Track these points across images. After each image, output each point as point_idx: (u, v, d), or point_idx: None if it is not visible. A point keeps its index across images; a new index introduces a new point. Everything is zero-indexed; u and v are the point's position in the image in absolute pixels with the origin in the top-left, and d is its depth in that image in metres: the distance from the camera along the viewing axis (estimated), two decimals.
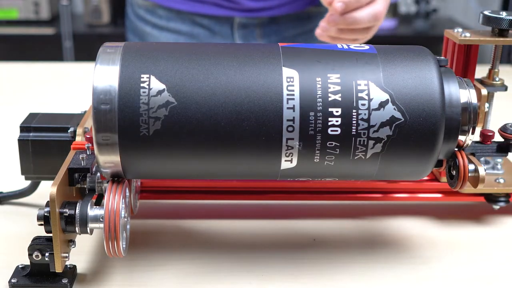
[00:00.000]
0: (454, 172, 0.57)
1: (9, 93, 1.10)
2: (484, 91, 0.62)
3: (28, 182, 0.69)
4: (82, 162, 0.56)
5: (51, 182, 0.52)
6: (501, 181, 0.68)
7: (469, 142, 0.56)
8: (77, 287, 0.56)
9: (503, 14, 0.62)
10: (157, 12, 1.19)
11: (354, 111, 0.51)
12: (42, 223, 0.52)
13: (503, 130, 0.61)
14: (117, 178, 0.54)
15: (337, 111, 0.51)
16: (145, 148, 0.51)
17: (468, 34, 0.64)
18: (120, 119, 0.50)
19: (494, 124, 0.67)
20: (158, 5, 1.19)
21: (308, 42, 1.21)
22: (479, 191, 0.68)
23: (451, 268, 0.61)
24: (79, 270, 0.58)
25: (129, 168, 0.53)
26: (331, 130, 0.51)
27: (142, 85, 0.50)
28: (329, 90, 0.51)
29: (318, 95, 0.51)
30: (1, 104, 1.05)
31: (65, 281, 0.55)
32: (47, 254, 0.53)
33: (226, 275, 0.59)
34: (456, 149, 0.56)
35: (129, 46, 0.53)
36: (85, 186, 0.56)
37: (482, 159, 0.67)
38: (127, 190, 0.55)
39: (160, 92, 0.50)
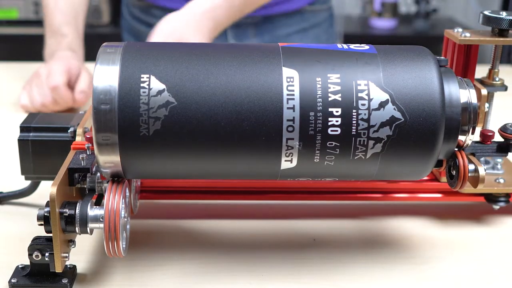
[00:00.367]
0: (454, 172, 0.57)
1: (9, 93, 1.10)
2: (484, 91, 0.62)
3: (28, 182, 0.69)
4: (82, 162, 0.56)
5: (51, 182, 0.52)
6: (501, 181, 0.68)
7: (469, 142, 0.55)
8: (77, 287, 0.56)
9: (503, 14, 0.62)
10: (152, 12, 1.19)
11: (354, 111, 0.51)
12: (42, 223, 0.52)
13: (503, 130, 0.61)
14: (117, 178, 0.54)
15: (337, 111, 0.51)
16: (145, 148, 0.51)
17: (468, 34, 0.64)
18: (120, 119, 0.50)
19: (494, 124, 0.67)
20: (152, 4, 1.19)
21: (302, 41, 1.21)
22: (479, 191, 0.68)
23: (451, 268, 0.61)
24: (79, 270, 0.58)
25: (129, 168, 0.53)
26: (331, 130, 0.51)
27: (142, 85, 0.50)
28: (329, 90, 0.51)
29: (318, 95, 0.51)
30: (1, 104, 1.05)
31: (65, 281, 0.55)
32: (47, 254, 0.53)
33: (226, 275, 0.59)
34: (456, 149, 0.56)
35: (129, 46, 0.53)
36: (85, 186, 0.56)
37: (482, 159, 0.67)
38: (127, 190, 0.55)
39: (160, 92, 0.50)
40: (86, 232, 0.54)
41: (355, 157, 0.52)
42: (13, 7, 2.35)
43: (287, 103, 0.50)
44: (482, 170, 0.56)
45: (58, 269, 0.53)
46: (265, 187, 0.70)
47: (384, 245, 0.65)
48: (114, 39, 0.66)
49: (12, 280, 0.55)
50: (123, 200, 0.53)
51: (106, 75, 0.50)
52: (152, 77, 0.51)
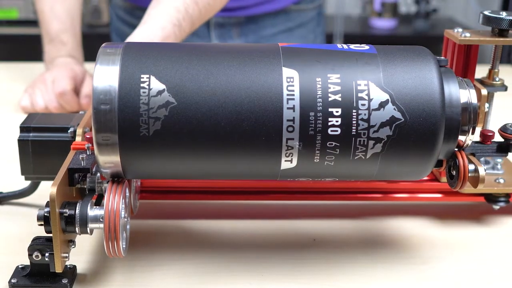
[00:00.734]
0: (454, 172, 0.57)
1: (9, 93, 1.10)
2: (484, 91, 0.62)
3: (28, 182, 0.69)
4: (82, 162, 0.56)
5: (51, 182, 0.52)
6: (501, 181, 0.68)
7: (469, 142, 0.55)
8: (77, 287, 0.56)
9: (503, 14, 0.62)
10: (136, 13, 1.18)
11: (354, 111, 0.51)
12: (42, 223, 0.52)
13: (503, 130, 0.61)
14: (117, 179, 0.54)
15: (337, 111, 0.51)
16: (145, 148, 0.51)
17: (468, 34, 0.64)
18: (120, 119, 0.50)
19: (494, 124, 0.67)
20: (136, 6, 1.19)
21: (288, 41, 1.20)
22: (479, 191, 0.68)
23: (451, 268, 0.61)
24: (79, 270, 0.58)
25: (129, 168, 0.53)
26: (331, 130, 0.51)
27: (142, 85, 0.50)
28: (329, 90, 0.51)
29: (318, 95, 0.51)
30: (1, 104, 1.05)
31: (65, 281, 0.55)
32: (47, 254, 0.53)
33: (226, 275, 0.59)
34: (456, 149, 0.56)
35: (129, 46, 0.53)
36: (85, 186, 0.56)
37: (482, 159, 0.67)
38: (127, 190, 0.55)
39: (160, 92, 0.50)
40: (86, 232, 0.54)
41: (355, 157, 0.52)
42: (13, 7, 2.35)
43: (287, 103, 0.50)
44: (482, 170, 0.56)
45: (58, 269, 0.53)
46: (265, 187, 0.70)
47: (384, 245, 0.65)
48: None
49: (12, 280, 0.55)
50: (123, 200, 0.53)
51: (106, 75, 0.50)
52: (152, 77, 0.51)
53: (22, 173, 0.66)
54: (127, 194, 0.56)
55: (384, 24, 2.46)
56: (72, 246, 0.55)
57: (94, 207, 0.54)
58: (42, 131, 0.65)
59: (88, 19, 2.49)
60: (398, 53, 0.54)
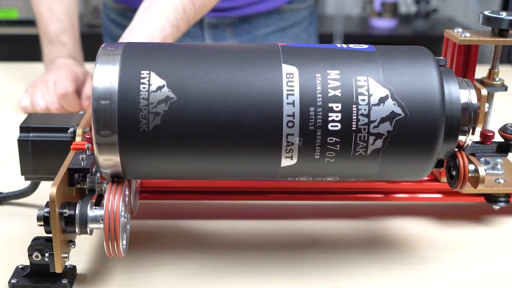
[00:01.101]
0: (454, 172, 0.57)
1: (9, 93, 1.10)
2: (484, 91, 0.62)
3: (28, 182, 0.69)
4: (82, 162, 0.56)
5: (51, 182, 0.52)
6: (501, 181, 0.68)
7: (469, 142, 0.55)
8: (77, 287, 0.57)
9: (503, 14, 0.62)
10: (128, 15, 1.18)
11: (354, 106, 0.51)
12: (42, 223, 0.52)
13: (503, 130, 0.61)
14: (117, 179, 0.54)
15: (337, 107, 0.51)
16: (145, 144, 0.51)
17: (468, 34, 0.64)
18: (120, 115, 0.50)
19: (494, 124, 0.67)
20: (128, 7, 1.18)
21: (281, 41, 1.20)
22: (479, 191, 0.68)
23: (451, 268, 0.61)
24: (79, 270, 0.58)
25: (128, 166, 0.52)
26: (331, 126, 0.51)
27: (142, 81, 0.50)
28: (329, 85, 0.51)
29: (318, 91, 0.51)
30: (1, 104, 1.05)
31: (65, 281, 0.55)
32: (47, 254, 0.53)
33: (226, 275, 0.59)
34: (456, 150, 0.56)
35: (129, 45, 0.53)
36: (85, 186, 0.56)
37: (482, 159, 0.67)
38: (127, 190, 0.55)
39: (160, 87, 0.50)
40: (86, 233, 0.53)
41: (356, 154, 0.52)
42: (13, 7, 2.35)
43: (287, 98, 0.51)
44: (482, 170, 0.56)
45: (58, 269, 0.53)
46: (265, 187, 0.70)
47: (384, 245, 0.65)
48: None
49: (12, 281, 0.55)
50: (123, 201, 0.53)
51: (106, 73, 0.50)
52: (152, 73, 0.51)
53: (22, 173, 0.66)
54: (127, 194, 0.56)
55: (384, 24, 2.46)
56: (72, 246, 0.55)
57: (94, 207, 0.54)
58: (42, 131, 0.65)
59: (88, 19, 2.49)
60: (398, 53, 0.54)
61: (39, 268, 0.55)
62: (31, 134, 0.65)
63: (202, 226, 0.68)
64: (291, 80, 0.51)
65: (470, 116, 0.54)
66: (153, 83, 0.50)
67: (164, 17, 0.81)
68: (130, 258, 0.61)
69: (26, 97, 1.01)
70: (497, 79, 0.67)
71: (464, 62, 0.65)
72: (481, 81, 0.67)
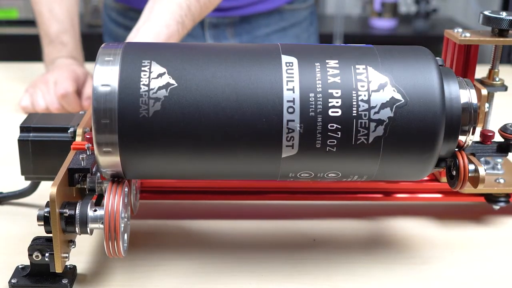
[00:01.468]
0: (454, 172, 0.57)
1: (9, 93, 1.10)
2: (484, 91, 0.62)
3: (28, 182, 0.69)
4: (82, 162, 0.56)
5: (51, 182, 0.52)
6: (501, 181, 0.68)
7: (469, 142, 0.55)
8: (77, 287, 0.56)
9: (503, 14, 0.62)
10: (129, 15, 1.18)
11: (354, 92, 0.51)
12: (42, 223, 0.52)
13: (503, 130, 0.61)
14: (117, 179, 0.54)
15: (337, 92, 0.51)
16: (145, 131, 0.50)
17: (468, 34, 0.64)
18: (120, 100, 0.50)
19: (494, 124, 0.67)
20: (129, 7, 1.18)
21: (282, 41, 1.20)
22: (479, 191, 0.68)
23: (451, 268, 0.61)
24: (79, 270, 0.58)
25: (128, 160, 0.52)
26: (332, 111, 0.51)
27: (143, 68, 0.51)
28: (328, 73, 0.51)
29: (317, 77, 0.51)
30: (1, 104, 1.05)
31: (65, 281, 0.55)
32: (47, 254, 0.53)
33: (226, 275, 0.59)
34: (456, 149, 0.56)
35: (129, 45, 0.53)
36: (85, 186, 0.56)
37: (482, 159, 0.67)
38: (126, 190, 0.55)
39: (160, 74, 0.51)
40: (86, 233, 0.54)
41: (358, 141, 0.52)
42: (13, 7, 2.35)
43: (287, 84, 0.51)
44: (482, 170, 0.56)
45: (58, 269, 0.53)
46: (265, 187, 0.70)
47: (384, 245, 0.65)
48: None
49: (12, 281, 0.55)
50: (123, 200, 0.53)
51: (106, 72, 0.51)
52: (153, 62, 0.51)
53: (22, 173, 0.66)
54: (127, 194, 0.56)
55: (384, 24, 2.46)
56: (72, 246, 0.55)
57: (94, 207, 0.54)
58: (42, 131, 0.65)
59: (88, 19, 2.49)
60: (398, 53, 0.54)
61: (39, 268, 0.55)
62: (31, 134, 0.65)
63: (202, 226, 0.68)
64: (290, 68, 0.51)
65: (470, 116, 0.54)
66: (154, 70, 0.51)
67: (168, 15, 0.81)
68: (130, 258, 0.61)
69: (26, 97, 1.01)
70: (497, 79, 0.67)
71: (464, 62, 0.65)
72: (481, 81, 0.67)
